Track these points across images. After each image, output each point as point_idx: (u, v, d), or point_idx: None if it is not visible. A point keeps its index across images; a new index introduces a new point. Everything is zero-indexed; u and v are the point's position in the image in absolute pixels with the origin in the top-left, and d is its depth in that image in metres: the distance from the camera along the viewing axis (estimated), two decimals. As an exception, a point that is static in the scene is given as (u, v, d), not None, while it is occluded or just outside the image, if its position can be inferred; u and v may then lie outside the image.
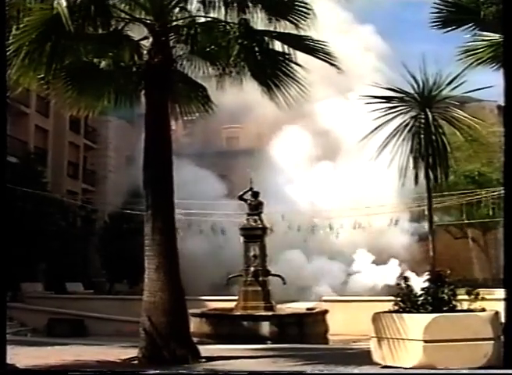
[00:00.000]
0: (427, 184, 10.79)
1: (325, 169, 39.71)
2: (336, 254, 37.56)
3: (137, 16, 12.38)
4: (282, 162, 40.50)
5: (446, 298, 9.31)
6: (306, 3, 11.79)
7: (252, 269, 20.41)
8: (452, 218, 38.41)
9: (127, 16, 12.28)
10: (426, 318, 8.93)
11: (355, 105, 25.87)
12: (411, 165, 10.67)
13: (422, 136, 10.60)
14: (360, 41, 43.30)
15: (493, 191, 35.16)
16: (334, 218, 36.25)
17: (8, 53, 10.13)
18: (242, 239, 21.15)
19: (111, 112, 25.55)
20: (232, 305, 20.84)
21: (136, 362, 11.40)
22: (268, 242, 21.38)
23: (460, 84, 10.65)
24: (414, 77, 10.59)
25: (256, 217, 21.17)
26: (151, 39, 12.26)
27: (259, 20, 11.96)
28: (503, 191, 31.76)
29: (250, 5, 11.83)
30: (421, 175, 10.66)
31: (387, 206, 36.13)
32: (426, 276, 9.90)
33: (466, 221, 37.62)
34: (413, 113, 10.83)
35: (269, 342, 17.33)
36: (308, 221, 36.89)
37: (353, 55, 37.44)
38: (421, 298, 9.33)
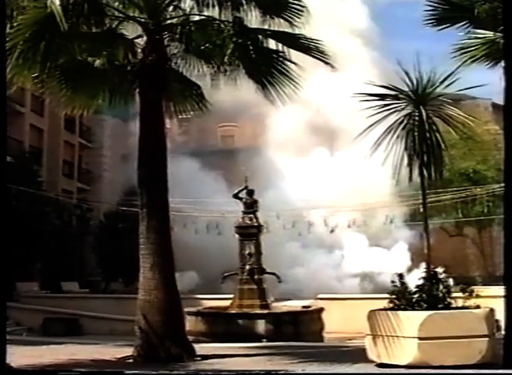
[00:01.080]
0: (421, 182, 10.78)
1: (321, 162, 39.53)
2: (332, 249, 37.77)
3: (131, 15, 12.39)
4: (277, 158, 40.45)
5: (441, 295, 9.33)
6: (300, 0, 11.79)
7: (247, 267, 20.42)
8: (447, 215, 38.46)
9: (121, 15, 12.28)
10: (421, 315, 8.94)
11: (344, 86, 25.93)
12: (406, 162, 10.67)
13: (416, 133, 10.58)
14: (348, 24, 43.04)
15: (488, 189, 35.23)
16: (329, 216, 36.29)
17: (1, 52, 10.12)
18: (237, 237, 21.17)
19: (106, 110, 25.55)
20: (227, 303, 20.84)
21: (131, 360, 11.41)
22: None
23: (454, 82, 10.64)
24: (408, 75, 10.58)
25: (251, 215, 21.18)
26: (145, 37, 12.26)
27: (253, 18, 11.97)
28: (497, 189, 31.90)
29: (243, 3, 11.83)
30: (416, 173, 10.66)
31: (382, 204, 36.24)
32: (421, 273, 9.90)
33: (461, 219, 37.66)
34: (407, 111, 10.82)
35: (265, 340, 17.33)
36: (304, 219, 36.90)
37: (340, 37, 37.25)
38: (416, 296, 9.34)
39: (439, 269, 9.69)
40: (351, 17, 43.88)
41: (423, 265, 11.04)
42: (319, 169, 38.87)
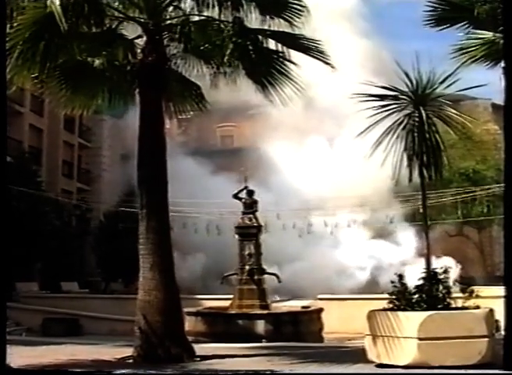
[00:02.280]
0: (421, 182, 10.79)
1: (320, 157, 39.39)
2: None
3: (131, 15, 12.37)
4: (277, 158, 40.37)
5: (441, 295, 9.34)
6: (300, 0, 11.78)
7: (247, 267, 20.42)
8: (447, 216, 38.47)
9: (121, 15, 12.26)
10: (421, 316, 8.95)
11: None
12: (405, 163, 10.67)
13: (416, 134, 10.60)
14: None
15: (488, 189, 35.24)
16: (329, 215, 36.30)
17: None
18: (237, 237, 21.17)
19: (105, 110, 25.54)
20: (227, 303, 20.84)
21: (131, 361, 11.40)
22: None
23: (453, 82, 10.65)
24: (407, 75, 10.59)
25: (251, 216, 21.18)
26: (144, 38, 12.24)
27: (253, 18, 11.96)
28: (497, 189, 31.91)
29: (243, 3, 11.82)
30: (415, 173, 10.66)
31: (382, 203, 36.28)
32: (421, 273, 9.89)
33: (461, 219, 37.67)
34: (407, 111, 10.83)
35: (264, 341, 17.34)
36: (304, 219, 36.89)
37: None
38: (416, 296, 9.35)
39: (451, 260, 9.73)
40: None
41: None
42: (318, 164, 38.67)
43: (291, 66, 12.25)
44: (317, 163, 38.88)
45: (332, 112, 38.27)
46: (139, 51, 12.34)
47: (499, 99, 8.55)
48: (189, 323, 16.40)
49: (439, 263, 10.39)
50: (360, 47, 40.99)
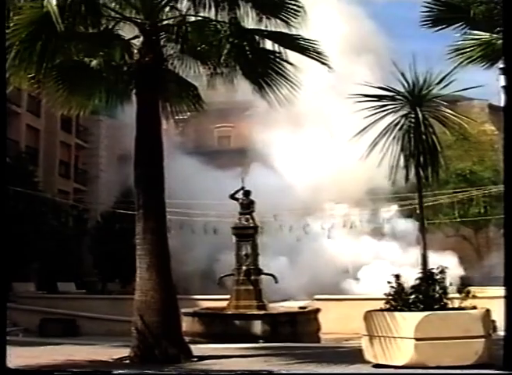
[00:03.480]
0: (418, 183, 10.80)
1: (318, 158, 39.33)
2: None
3: (128, 15, 12.36)
4: (274, 159, 40.34)
5: (437, 296, 9.35)
6: (296, 0, 11.79)
7: (244, 268, 20.42)
8: (444, 216, 38.50)
9: (118, 15, 12.26)
10: (417, 316, 8.96)
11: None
12: (402, 163, 10.68)
13: (412, 135, 10.61)
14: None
15: (484, 190, 35.30)
16: (326, 217, 36.34)
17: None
18: (234, 238, 21.17)
19: (102, 111, 25.52)
20: (224, 304, 20.83)
21: (128, 361, 11.40)
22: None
23: (450, 83, 10.66)
24: (404, 76, 10.61)
25: (248, 216, 21.17)
26: (141, 38, 12.26)
27: (250, 19, 11.97)
28: (494, 190, 31.90)
29: (240, 3, 11.83)
30: (412, 173, 10.67)
31: (378, 203, 36.32)
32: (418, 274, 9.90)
33: (458, 219, 37.70)
34: (403, 112, 10.84)
35: (261, 341, 17.33)
36: (300, 220, 36.90)
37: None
38: (413, 297, 9.35)
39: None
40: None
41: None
42: (316, 162, 38.59)
43: (288, 66, 12.25)
44: (314, 160, 38.78)
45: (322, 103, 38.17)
46: (136, 51, 12.35)
47: (496, 100, 8.59)
48: (186, 324, 16.38)
49: (441, 260, 10.40)
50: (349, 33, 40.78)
